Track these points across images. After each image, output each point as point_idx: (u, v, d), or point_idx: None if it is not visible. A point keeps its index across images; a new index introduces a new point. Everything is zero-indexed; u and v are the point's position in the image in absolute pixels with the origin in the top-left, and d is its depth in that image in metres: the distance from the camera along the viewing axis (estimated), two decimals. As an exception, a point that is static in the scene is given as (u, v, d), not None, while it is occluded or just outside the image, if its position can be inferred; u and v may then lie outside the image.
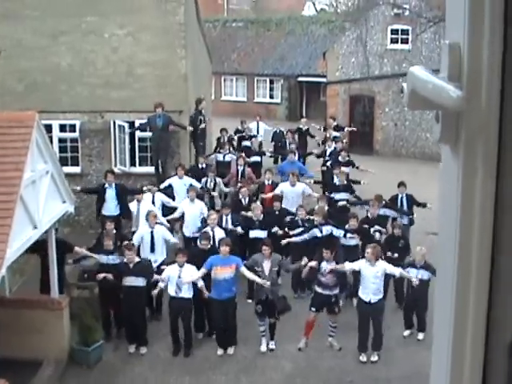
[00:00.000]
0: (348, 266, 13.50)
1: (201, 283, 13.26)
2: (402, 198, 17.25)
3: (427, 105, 1.38)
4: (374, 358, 13.43)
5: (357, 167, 20.73)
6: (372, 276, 13.03)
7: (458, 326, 1.47)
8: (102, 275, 13.57)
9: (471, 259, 1.43)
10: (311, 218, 15.74)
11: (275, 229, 15.84)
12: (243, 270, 13.35)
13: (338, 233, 15.20)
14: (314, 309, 13.49)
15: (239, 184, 18.25)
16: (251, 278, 13.67)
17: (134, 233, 15.64)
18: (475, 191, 1.38)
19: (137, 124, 20.09)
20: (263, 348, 13.79)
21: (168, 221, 16.41)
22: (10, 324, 12.62)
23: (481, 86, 1.34)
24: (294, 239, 15.35)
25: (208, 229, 14.92)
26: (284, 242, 15.26)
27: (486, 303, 1.46)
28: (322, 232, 15.10)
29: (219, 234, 14.75)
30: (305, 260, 13.78)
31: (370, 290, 13.09)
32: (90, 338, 13.34)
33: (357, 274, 14.24)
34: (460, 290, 1.46)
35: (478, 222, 1.40)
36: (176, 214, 16.62)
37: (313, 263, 13.49)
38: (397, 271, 13.39)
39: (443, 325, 1.54)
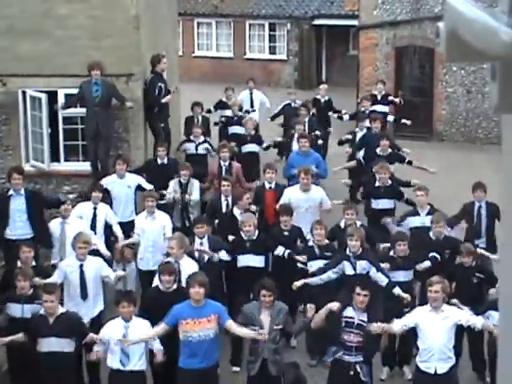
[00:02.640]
0: (397, 326, 13.41)
1: (157, 346, 13.18)
2: (479, 207, 17.24)
3: (475, 55, 1.32)
4: None
5: (408, 162, 20.77)
6: (438, 330, 12.95)
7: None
8: (7, 338, 13.40)
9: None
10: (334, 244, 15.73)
11: (279, 250, 15.85)
12: (230, 323, 13.25)
13: (378, 276, 14.91)
14: None
15: (224, 186, 18.09)
16: (243, 335, 13.52)
17: (55, 267, 15.51)
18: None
19: (61, 95, 20.08)
20: None
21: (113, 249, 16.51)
22: None
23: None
24: (312, 280, 15.20)
25: (171, 259, 14.86)
26: (298, 283, 15.12)
27: None
28: (355, 269, 14.99)
29: (189, 267, 14.58)
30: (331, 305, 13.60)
31: (436, 354, 12.99)
32: None
33: (407, 333, 14.20)
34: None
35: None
36: (135, 236, 16.70)
37: (335, 305, 13.33)
38: (478, 321, 13.30)
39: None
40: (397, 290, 14.82)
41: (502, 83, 1.33)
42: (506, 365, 1.67)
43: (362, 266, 14.96)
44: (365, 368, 13.29)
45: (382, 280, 14.80)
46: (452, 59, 1.41)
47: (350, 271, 14.94)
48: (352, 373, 13.13)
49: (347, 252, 15.18)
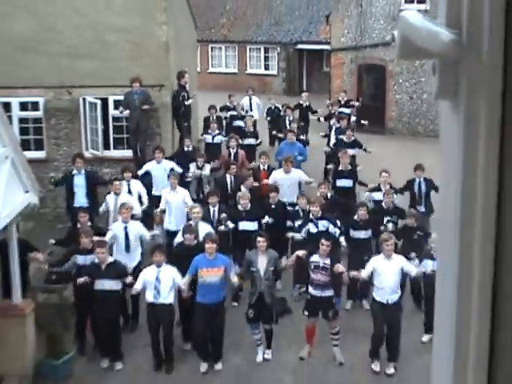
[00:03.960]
0: (364, 273, 13.43)
1: (182, 287, 13.18)
2: (419, 182, 17.19)
3: (420, 53, 1.40)
4: (390, 370, 13.33)
5: (364, 149, 20.72)
6: (389, 272, 13.05)
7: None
8: (82, 279, 13.29)
9: (475, 223, 1.45)
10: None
11: (265, 219, 15.81)
12: (233, 276, 13.40)
13: (334, 230, 15.03)
14: (306, 313, 13.47)
15: (233, 169, 18.07)
16: (235, 281, 13.60)
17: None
18: (478, 152, 1.41)
19: (111, 101, 20.09)
20: (259, 358, 13.76)
21: (150, 214, 16.44)
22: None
23: (481, 31, 1.36)
24: (295, 235, 15.33)
25: (192, 222, 14.83)
26: (289, 234, 15.29)
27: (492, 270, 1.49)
28: (317, 227, 15.01)
29: (204, 229, 14.54)
30: (299, 252, 13.66)
31: (387, 289, 13.09)
32: (58, 350, 13.25)
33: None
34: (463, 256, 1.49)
35: (480, 187, 1.42)
36: (162, 205, 16.60)
37: (300, 252, 13.50)
38: (413, 271, 13.41)
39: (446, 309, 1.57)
40: (342, 240, 15.06)
41: (439, 76, 1.41)
42: (442, 306, 1.59)
43: (323, 224, 15.05)
44: (333, 300, 13.40)
45: (334, 231, 14.94)
46: (403, 57, 1.46)
47: (313, 229, 15.03)
48: (319, 301, 13.23)
49: (310, 216, 15.32)
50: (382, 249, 13.34)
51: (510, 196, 1.42)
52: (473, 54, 1.36)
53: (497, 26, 1.36)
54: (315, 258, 13.23)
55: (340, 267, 13.31)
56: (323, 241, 13.26)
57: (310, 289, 13.37)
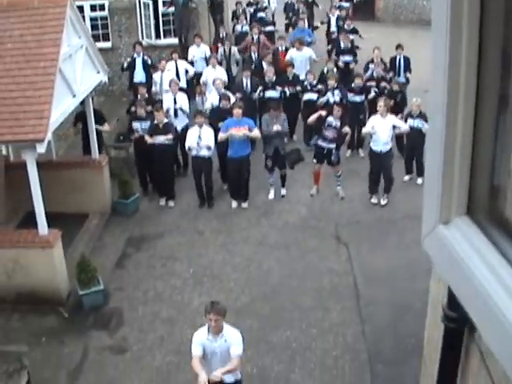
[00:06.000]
0: (365, 130, 13.22)
1: (212, 145, 12.88)
2: (399, 59, 16.82)
3: None
4: (384, 201, 13.32)
5: (360, 35, 20.02)
6: (383, 128, 12.73)
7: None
8: (146, 137, 13.03)
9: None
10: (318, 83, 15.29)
11: (286, 89, 15.41)
12: (256, 132, 13.02)
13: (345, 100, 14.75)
14: (315, 160, 13.32)
15: (253, 49, 17.68)
16: (256, 136, 13.15)
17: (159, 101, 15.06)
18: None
19: (160, 1, 19.41)
20: (271, 196, 13.71)
21: (196, 84, 16.18)
22: (58, 183, 12.55)
23: None
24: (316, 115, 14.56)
25: (225, 92, 14.46)
26: (314, 116, 14.47)
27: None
28: (334, 96, 14.68)
29: (232, 98, 14.23)
30: (321, 112, 13.28)
31: (381, 142, 12.82)
32: (128, 192, 13.30)
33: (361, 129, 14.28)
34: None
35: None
36: (203, 78, 16.11)
37: (323, 112, 13.15)
38: (403, 124, 13.13)
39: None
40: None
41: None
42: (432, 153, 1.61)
43: (337, 93, 14.70)
44: (335, 151, 13.19)
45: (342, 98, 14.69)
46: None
47: (331, 98, 14.63)
48: (325, 151, 13.08)
49: (328, 87, 14.87)
50: (378, 110, 12.93)
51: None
52: None
53: None
54: (330, 118, 12.95)
55: (347, 129, 13.15)
56: (336, 106, 13.05)
57: (320, 141, 13.13)
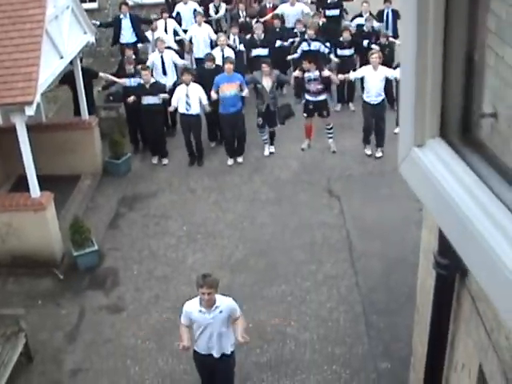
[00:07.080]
0: (353, 75, 13.05)
1: (204, 101, 12.63)
2: (387, 12, 16.43)
3: None
4: (379, 154, 13.15)
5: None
6: (375, 80, 12.52)
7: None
8: (131, 98, 12.83)
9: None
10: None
11: (278, 43, 15.18)
12: (247, 91, 12.80)
13: (323, 49, 14.47)
14: (305, 114, 13.17)
15: (241, 7, 17.34)
16: (246, 94, 12.94)
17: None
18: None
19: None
20: (266, 152, 13.52)
21: (179, 42, 15.74)
22: (48, 146, 12.34)
23: None
24: (293, 56, 14.64)
25: (218, 49, 14.18)
26: (289, 57, 14.64)
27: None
28: (309, 46, 14.44)
29: (228, 53, 13.99)
30: (296, 72, 13.14)
31: (374, 94, 12.63)
32: (119, 152, 13.09)
33: (351, 83, 14.35)
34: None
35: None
36: (186, 37, 15.83)
37: (296, 73, 13.00)
38: (396, 74, 12.83)
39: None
40: (332, 57, 14.61)
41: None
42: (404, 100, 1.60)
43: (315, 44, 14.47)
44: (327, 95, 13.09)
45: (324, 50, 14.44)
46: None
47: (306, 48, 14.43)
48: (314, 105, 12.93)
49: (305, 36, 14.68)
50: (370, 61, 12.66)
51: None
52: None
53: None
54: (307, 74, 12.75)
55: (326, 71, 12.89)
56: (304, 61, 12.87)
57: (307, 96, 12.95)
